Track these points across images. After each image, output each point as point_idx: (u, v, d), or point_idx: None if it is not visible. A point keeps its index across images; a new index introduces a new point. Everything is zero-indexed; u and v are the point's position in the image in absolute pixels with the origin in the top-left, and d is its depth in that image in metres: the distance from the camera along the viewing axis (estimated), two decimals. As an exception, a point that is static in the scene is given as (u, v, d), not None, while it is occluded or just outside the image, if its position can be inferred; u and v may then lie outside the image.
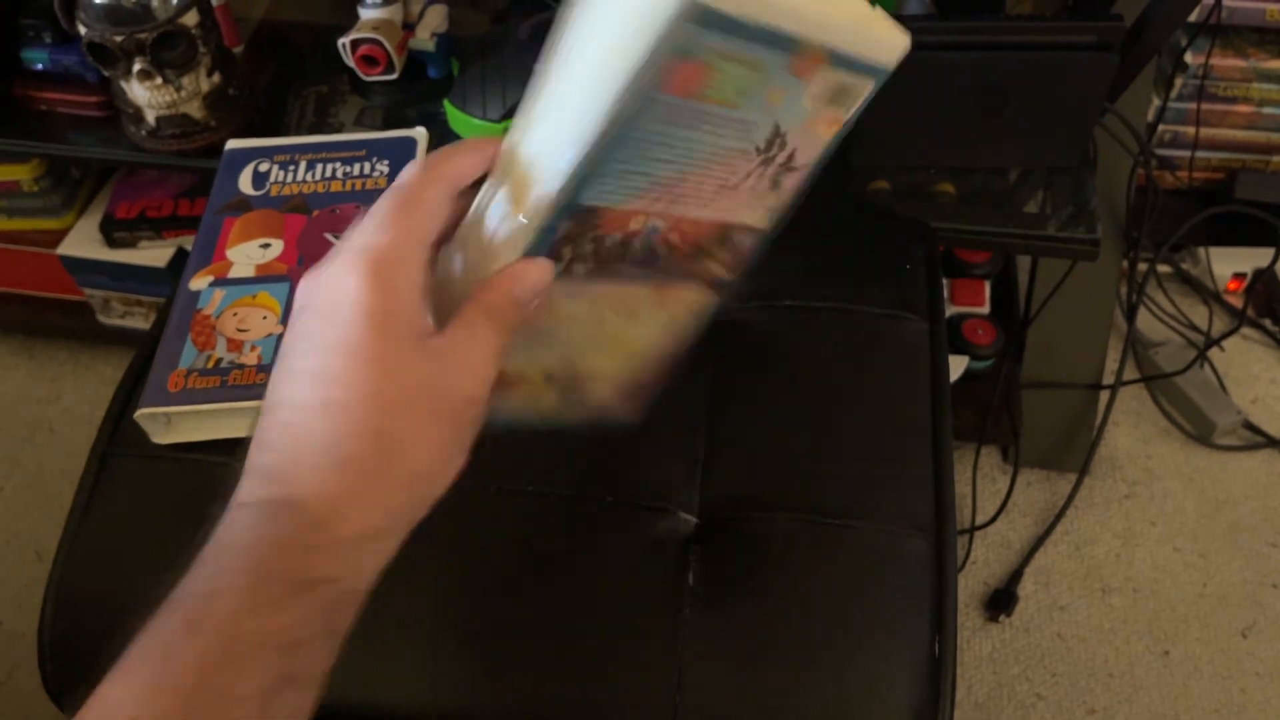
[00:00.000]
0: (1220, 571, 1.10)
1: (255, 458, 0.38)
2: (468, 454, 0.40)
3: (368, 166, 0.71)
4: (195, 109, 0.89)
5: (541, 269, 0.41)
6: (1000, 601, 1.07)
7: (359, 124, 0.94)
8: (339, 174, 0.71)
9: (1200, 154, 1.24)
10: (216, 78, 0.89)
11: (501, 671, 0.54)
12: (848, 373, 0.62)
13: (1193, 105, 1.19)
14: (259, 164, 0.71)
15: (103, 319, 1.24)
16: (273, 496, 0.37)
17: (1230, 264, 1.27)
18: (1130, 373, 1.20)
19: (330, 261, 0.39)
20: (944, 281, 1.14)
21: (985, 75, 0.80)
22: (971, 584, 1.10)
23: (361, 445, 0.37)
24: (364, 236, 0.39)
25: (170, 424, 0.61)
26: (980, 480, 1.17)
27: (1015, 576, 1.09)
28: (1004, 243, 0.85)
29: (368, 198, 0.69)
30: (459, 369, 0.39)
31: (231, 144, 0.73)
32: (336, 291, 0.38)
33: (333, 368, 0.37)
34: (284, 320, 0.62)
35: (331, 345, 0.38)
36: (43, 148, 0.99)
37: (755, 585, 0.56)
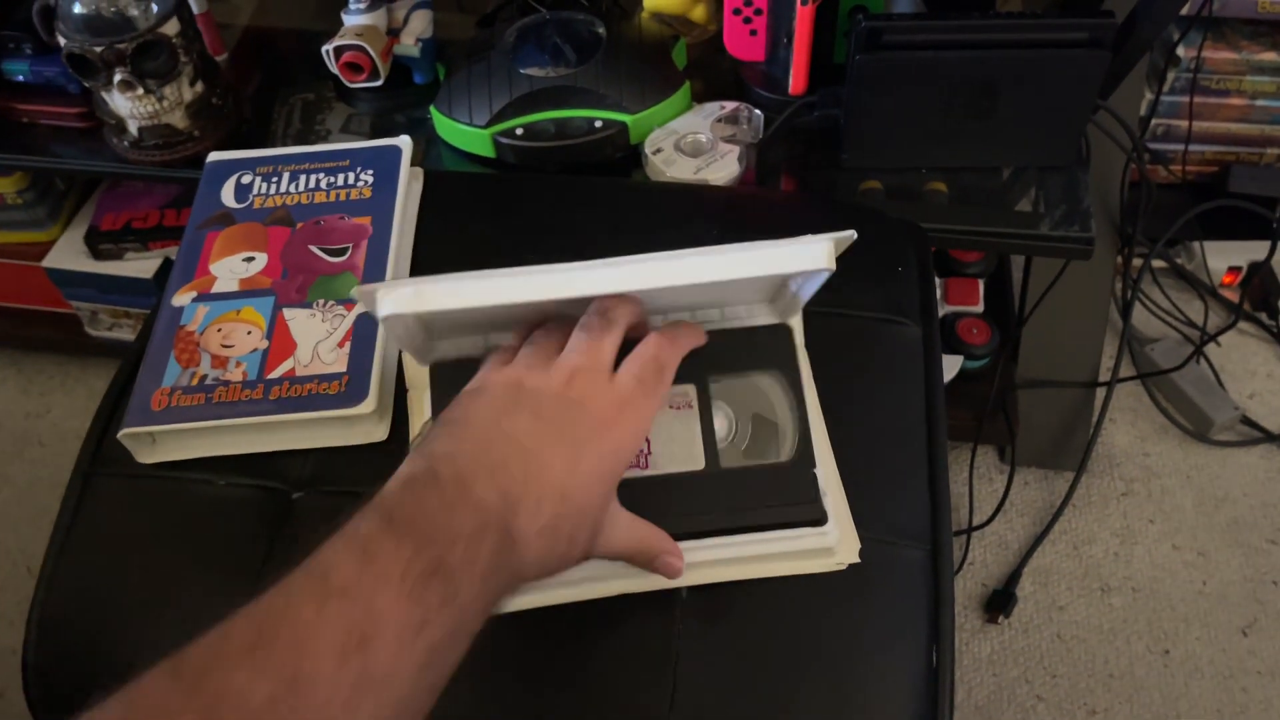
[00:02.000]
0: (1220, 569, 1.09)
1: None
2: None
3: (351, 177, 0.70)
4: (178, 119, 0.88)
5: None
6: (999, 602, 1.06)
7: (345, 131, 0.94)
8: (323, 185, 0.70)
9: (1193, 148, 1.23)
10: (199, 87, 0.88)
11: (495, 677, 0.54)
12: (840, 378, 0.61)
13: (1185, 99, 1.19)
14: (241, 176, 0.70)
15: (91, 331, 1.23)
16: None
17: (1225, 258, 1.27)
18: (1126, 370, 1.20)
19: None
20: (938, 281, 1.13)
21: (976, 74, 0.79)
22: (970, 585, 1.09)
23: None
24: None
25: (155, 443, 0.60)
26: (977, 480, 1.16)
27: (1014, 577, 1.08)
28: (997, 243, 0.84)
29: (352, 208, 0.68)
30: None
31: (213, 156, 0.72)
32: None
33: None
34: (269, 335, 0.61)
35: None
36: (26, 160, 0.98)
37: (749, 593, 0.55)
